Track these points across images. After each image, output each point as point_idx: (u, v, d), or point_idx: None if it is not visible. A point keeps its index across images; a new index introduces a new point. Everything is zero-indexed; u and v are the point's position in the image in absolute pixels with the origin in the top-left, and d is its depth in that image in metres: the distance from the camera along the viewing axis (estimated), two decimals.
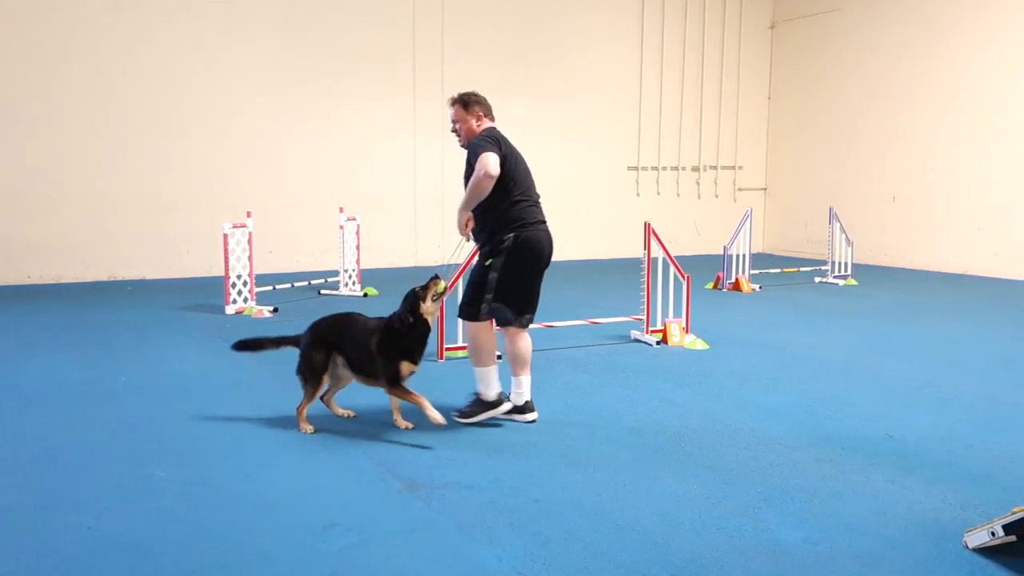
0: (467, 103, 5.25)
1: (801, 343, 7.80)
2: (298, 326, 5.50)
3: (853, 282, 11.95)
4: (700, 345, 7.53)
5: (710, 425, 5.20)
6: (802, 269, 12.86)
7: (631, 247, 14.03)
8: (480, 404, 5.21)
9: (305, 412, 5.08)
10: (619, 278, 12.06)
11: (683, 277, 7.81)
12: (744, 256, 11.40)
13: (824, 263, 12.50)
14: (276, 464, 4.49)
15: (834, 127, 15.53)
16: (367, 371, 5.04)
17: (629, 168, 15.68)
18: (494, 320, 5.22)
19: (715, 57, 16.28)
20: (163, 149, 12.26)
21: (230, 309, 9.14)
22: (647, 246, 7.76)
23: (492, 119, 5.28)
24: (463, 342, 6.75)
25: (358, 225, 10.87)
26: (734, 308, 9.90)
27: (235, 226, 9.23)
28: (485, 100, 5.30)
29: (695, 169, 16.33)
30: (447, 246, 14.11)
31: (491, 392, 5.19)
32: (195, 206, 12.39)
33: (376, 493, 4.09)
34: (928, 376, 6.53)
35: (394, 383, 4.94)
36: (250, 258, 9.34)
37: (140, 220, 12.19)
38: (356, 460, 4.56)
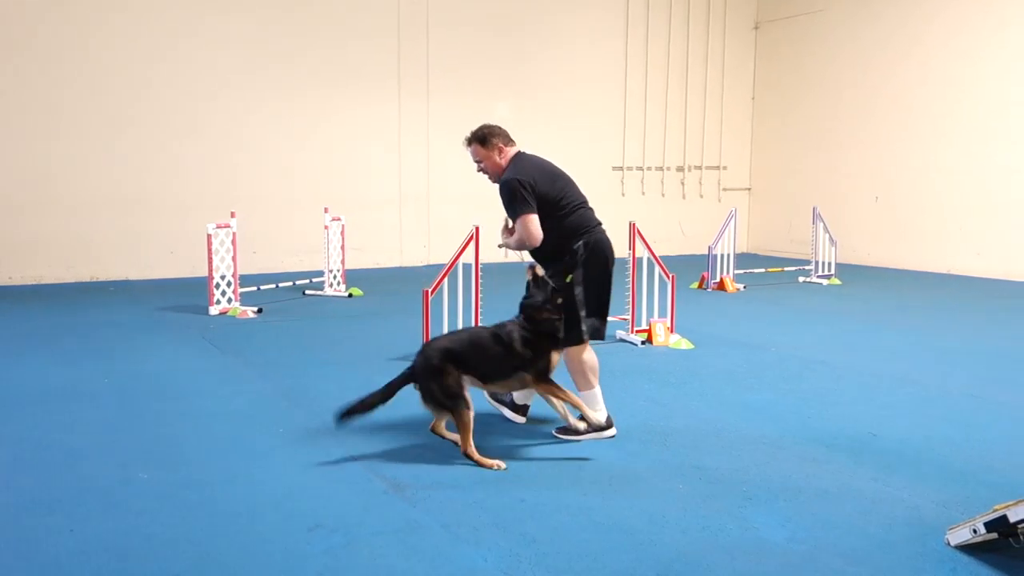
0: (484, 139, 4.99)
1: (785, 342, 7.84)
2: (283, 326, 5.47)
3: (837, 282, 12.02)
4: (685, 345, 7.56)
5: (695, 425, 5.22)
6: (786, 269, 12.92)
7: (616, 247, 14.03)
8: (587, 426, 4.82)
9: (472, 445, 4.46)
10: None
11: (668, 277, 7.83)
12: (729, 256, 11.44)
13: (808, 263, 12.57)
14: (261, 465, 4.47)
15: (818, 127, 15.61)
16: (494, 370, 4.62)
17: (614, 168, 15.70)
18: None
19: (699, 57, 16.33)
20: (146, 149, 12.18)
21: (214, 310, 9.09)
22: (632, 246, 7.78)
23: (513, 143, 5.06)
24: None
25: (343, 225, 10.84)
26: (719, 308, 9.93)
27: (219, 226, 9.19)
28: (500, 128, 5.06)
29: (680, 169, 16.37)
30: (432, 246, 14.12)
31: (601, 415, 4.89)
32: (178, 206, 12.31)
33: (361, 494, 4.08)
34: (911, 375, 6.57)
35: (543, 374, 4.64)
36: (234, 258, 9.30)
37: (123, 221, 12.10)
38: (341, 461, 4.54)
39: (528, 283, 4.81)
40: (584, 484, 4.21)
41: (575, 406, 4.73)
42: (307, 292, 10.68)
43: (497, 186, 5.04)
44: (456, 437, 4.58)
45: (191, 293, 10.39)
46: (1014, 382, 6.41)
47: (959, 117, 13.26)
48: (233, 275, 9.28)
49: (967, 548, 3.48)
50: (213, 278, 9.09)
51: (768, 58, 16.68)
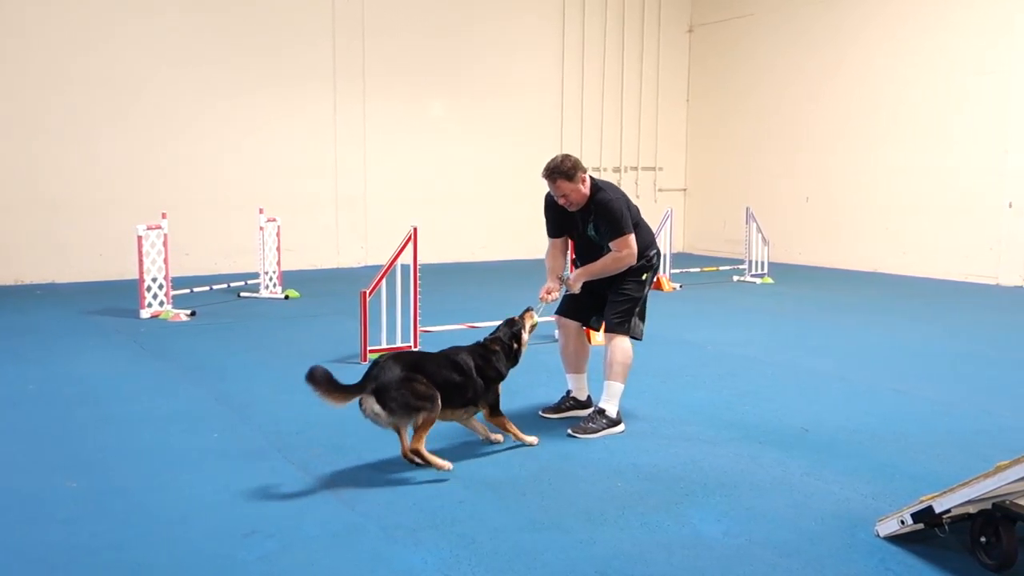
0: (570, 175, 4.97)
1: (720, 340, 7.96)
2: (217, 329, 5.37)
3: (769, 280, 12.27)
4: None
5: (632, 422, 5.26)
6: (721, 268, 13.13)
7: None
8: (606, 421, 5.07)
9: (423, 444, 4.36)
10: (542, 278, 12.09)
11: None
12: (665, 256, 11.57)
13: (742, 262, 12.80)
14: (193, 471, 4.37)
15: (750, 129, 15.91)
16: (454, 398, 4.57)
17: None
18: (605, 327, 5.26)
19: (635, 61, 16.50)
20: (73, 148, 11.82)
21: (145, 313, 8.87)
22: (571, 246, 7.80)
23: (584, 169, 5.09)
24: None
25: (278, 226, 10.67)
26: (656, 307, 9.92)
27: (150, 228, 8.97)
28: (576, 159, 5.07)
29: (617, 170, 16.52)
30: (370, 247, 14.00)
31: (616, 411, 5.13)
32: (107, 207, 11.98)
33: (297, 498, 4.02)
34: (840, 371, 6.74)
35: (496, 407, 4.75)
36: (166, 260, 9.08)
37: (48, 222, 11.72)
38: (276, 465, 4.48)
39: (507, 320, 5.00)
40: (522, 484, 4.21)
41: (516, 437, 4.79)
42: (242, 294, 10.49)
43: (544, 199, 5.33)
44: (434, 460, 4.37)
45: (121, 296, 10.12)
46: (937, 377, 6.62)
47: (887, 122, 13.65)
48: (165, 277, 9.06)
49: (896, 539, 3.57)
50: (144, 280, 8.87)
51: (702, 61, 16.94)
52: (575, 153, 13.97)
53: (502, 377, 4.80)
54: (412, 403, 4.32)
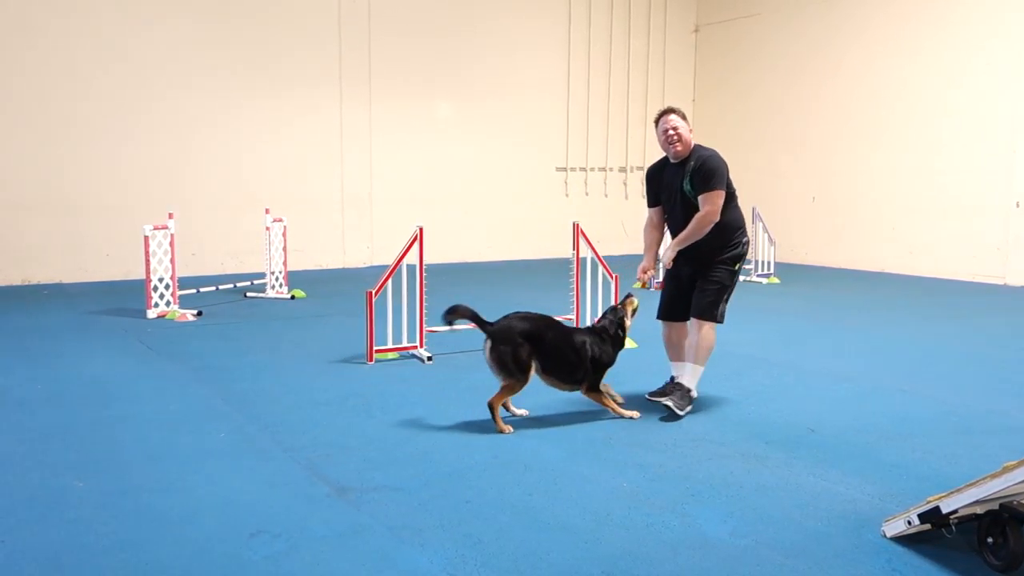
0: (682, 114, 5.49)
1: (726, 340, 7.90)
2: (223, 329, 5.39)
3: (776, 280, 12.25)
4: (629, 344, 7.59)
5: (639, 422, 5.26)
6: None
7: (560, 247, 14.12)
8: (689, 398, 5.45)
9: (499, 408, 5.07)
10: (548, 278, 12.11)
11: (611, 277, 7.89)
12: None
13: (748, 262, 12.74)
14: (199, 471, 4.38)
15: (756, 128, 15.88)
16: (564, 375, 5.18)
17: (558, 169, 15.77)
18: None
19: (640, 60, 16.49)
20: (80, 148, 11.86)
21: (152, 313, 8.89)
22: (576, 246, 7.82)
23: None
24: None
25: (285, 226, 10.69)
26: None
27: (156, 228, 8.99)
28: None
29: (622, 170, 16.51)
30: (375, 247, 14.02)
31: (695, 391, 5.51)
32: (114, 207, 12.02)
33: (304, 498, 4.03)
34: (846, 371, 6.72)
35: (597, 387, 5.26)
36: (172, 260, 9.11)
37: (56, 222, 11.77)
38: (283, 465, 4.48)
39: (610, 309, 5.57)
40: (528, 484, 4.21)
41: (615, 412, 5.30)
42: (248, 294, 10.51)
43: (648, 169, 5.85)
44: (521, 412, 5.29)
45: (128, 296, 10.15)
46: (944, 377, 6.60)
47: (893, 121, 13.61)
48: (171, 277, 9.08)
49: (902, 539, 3.57)
50: (151, 281, 8.90)
51: (708, 61, 16.92)
52: (581, 153, 13.96)
53: (613, 362, 5.31)
54: (508, 366, 4.99)
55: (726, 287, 5.45)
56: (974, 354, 7.52)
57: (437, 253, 12.76)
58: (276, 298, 10.38)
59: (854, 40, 14.09)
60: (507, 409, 5.26)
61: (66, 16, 11.65)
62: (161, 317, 8.89)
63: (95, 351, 7.33)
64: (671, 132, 5.43)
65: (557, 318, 5.55)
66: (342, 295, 10.63)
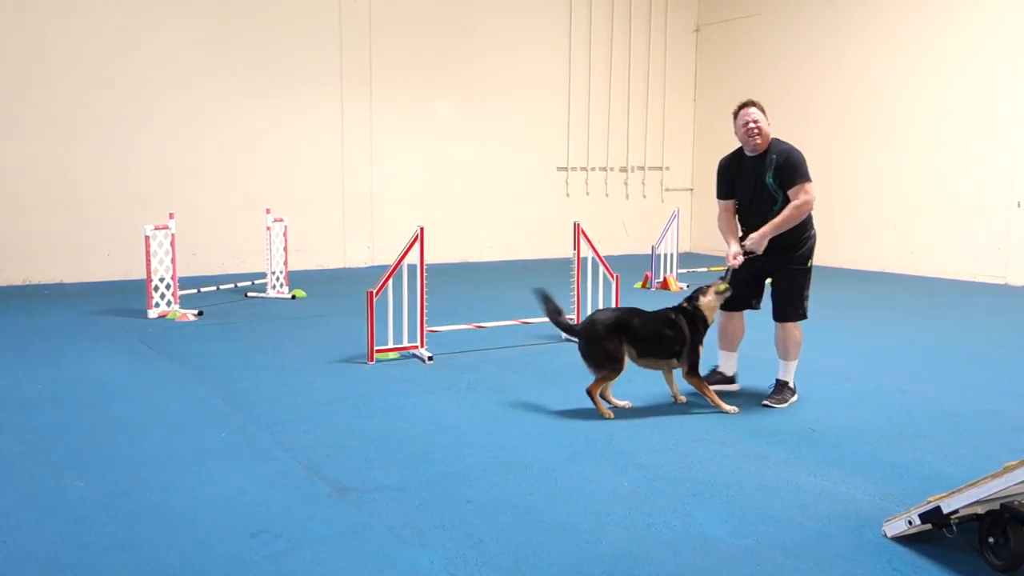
0: (761, 108, 5.60)
1: None
2: (224, 329, 5.39)
3: None
4: None
5: (639, 422, 5.26)
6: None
7: (561, 247, 14.13)
8: (790, 391, 5.73)
9: (598, 393, 5.40)
10: (549, 278, 12.09)
11: (612, 277, 7.89)
12: (672, 255, 11.57)
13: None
14: (200, 471, 4.38)
15: None
16: (661, 352, 5.49)
17: (559, 169, 15.77)
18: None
19: (641, 60, 16.49)
20: (81, 148, 11.85)
21: (152, 313, 8.89)
22: (576, 246, 7.82)
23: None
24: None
25: (285, 226, 10.70)
26: (662, 307, 10.00)
27: (157, 228, 8.99)
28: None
29: (623, 170, 16.51)
30: (376, 247, 14.02)
31: (793, 383, 5.78)
32: (115, 207, 12.02)
33: (305, 498, 4.03)
34: (847, 371, 6.72)
35: (695, 368, 5.51)
36: (173, 260, 9.11)
37: (56, 222, 11.76)
38: (284, 465, 4.49)
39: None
40: (529, 484, 4.22)
41: (713, 403, 5.52)
42: (249, 294, 10.51)
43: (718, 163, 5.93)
44: (623, 403, 5.55)
45: (129, 296, 10.16)
46: (945, 377, 6.60)
47: (894, 120, 13.61)
48: (172, 277, 9.08)
49: (903, 539, 3.57)
50: (151, 280, 8.90)
51: (709, 61, 16.92)
52: (581, 153, 13.99)
53: (701, 338, 5.53)
54: (599, 359, 5.33)
55: (800, 286, 5.69)
56: (975, 354, 7.52)
57: (438, 253, 12.78)
58: (277, 298, 10.38)
59: (854, 40, 14.08)
60: (609, 401, 5.53)
61: (66, 16, 11.65)
62: (162, 317, 8.90)
63: (96, 351, 7.33)
64: (751, 126, 5.53)
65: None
66: (343, 295, 10.63)
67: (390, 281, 7.01)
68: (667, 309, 5.61)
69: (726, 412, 5.46)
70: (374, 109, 13.90)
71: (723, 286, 5.65)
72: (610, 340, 5.33)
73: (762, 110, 5.57)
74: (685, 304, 5.60)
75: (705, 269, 13.01)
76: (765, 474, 4.38)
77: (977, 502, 3.31)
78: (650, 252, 11.73)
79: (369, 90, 13.84)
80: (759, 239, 5.56)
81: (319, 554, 3.44)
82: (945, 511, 3.36)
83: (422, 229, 7.14)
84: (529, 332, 8.09)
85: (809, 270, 5.74)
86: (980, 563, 3.38)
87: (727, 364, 6.01)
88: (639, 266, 12.50)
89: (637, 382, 6.26)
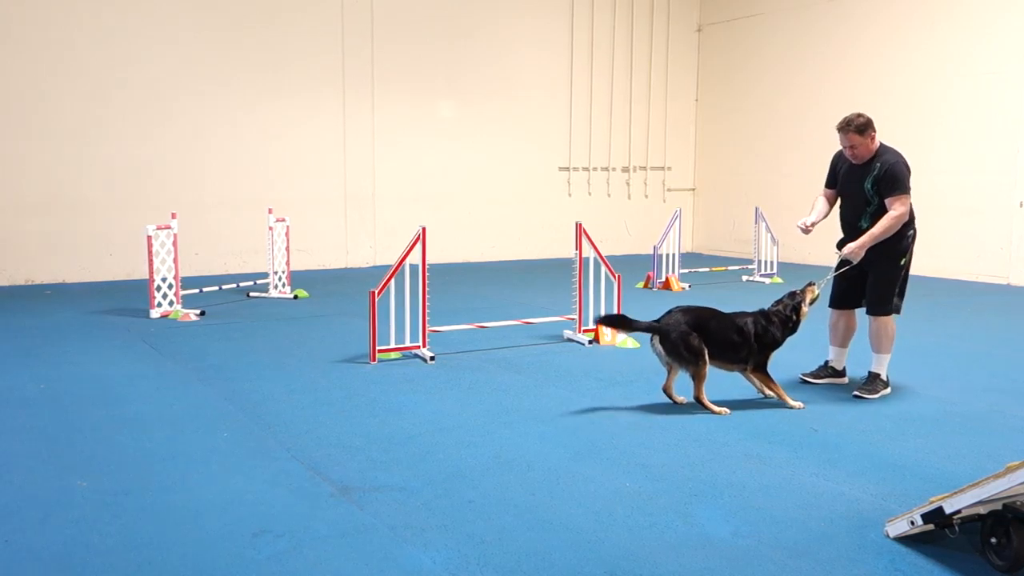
0: (863, 130, 5.77)
1: None
2: (226, 329, 5.39)
3: (779, 280, 12.23)
4: (631, 344, 7.61)
5: (641, 423, 5.26)
6: (730, 268, 13.10)
7: (563, 247, 14.13)
8: (882, 384, 5.93)
9: (704, 393, 5.48)
10: (551, 278, 12.11)
11: (614, 277, 7.89)
12: (674, 255, 11.57)
13: (751, 262, 12.77)
14: (202, 471, 4.39)
15: (758, 128, 15.87)
16: (730, 356, 5.58)
17: (561, 169, 15.77)
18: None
19: (643, 60, 16.49)
20: (83, 148, 11.87)
21: (155, 313, 8.90)
22: (578, 246, 7.82)
23: (875, 129, 5.85)
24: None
25: (287, 226, 10.70)
26: (665, 307, 9.93)
27: (159, 227, 9.00)
28: (867, 116, 5.86)
29: (625, 170, 16.51)
30: (378, 247, 14.03)
31: (887, 376, 5.97)
32: (117, 207, 12.04)
33: (307, 498, 4.03)
34: (847, 370, 6.70)
35: (762, 366, 5.63)
36: (175, 260, 9.11)
37: (58, 222, 11.78)
38: (286, 465, 4.49)
39: (788, 294, 5.88)
40: (531, 484, 4.22)
41: (779, 398, 5.61)
42: (251, 294, 10.52)
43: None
44: (681, 399, 5.60)
45: (131, 296, 10.17)
46: (947, 377, 6.60)
47: (895, 120, 13.56)
48: (174, 277, 9.09)
49: (905, 540, 3.56)
50: (154, 280, 8.91)
51: (711, 60, 16.91)
52: (584, 153, 14.07)
53: (778, 344, 5.65)
54: (683, 354, 5.41)
55: (894, 282, 5.87)
56: (977, 354, 7.51)
57: (440, 253, 12.79)
58: (279, 298, 10.39)
59: (855, 40, 14.07)
60: (669, 397, 5.63)
61: (69, 17, 11.66)
62: (164, 317, 8.90)
63: (98, 351, 7.34)
64: (848, 150, 5.87)
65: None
66: (345, 295, 10.64)
67: (392, 281, 7.01)
68: (743, 313, 5.73)
69: (792, 407, 5.55)
70: (376, 110, 13.90)
71: (816, 292, 5.86)
72: (693, 336, 5.44)
73: (859, 131, 5.75)
74: (777, 309, 5.73)
75: (707, 269, 13.02)
76: (767, 474, 4.37)
77: (979, 502, 3.31)
78: (652, 252, 11.73)
79: (372, 91, 13.84)
80: (857, 249, 5.80)
81: (321, 554, 3.44)
82: (947, 511, 3.35)
83: (424, 229, 7.14)
84: (531, 332, 8.09)
85: (902, 267, 5.90)
86: (982, 564, 3.37)
87: (838, 359, 6.27)
88: (641, 266, 12.50)
89: (637, 382, 6.27)
